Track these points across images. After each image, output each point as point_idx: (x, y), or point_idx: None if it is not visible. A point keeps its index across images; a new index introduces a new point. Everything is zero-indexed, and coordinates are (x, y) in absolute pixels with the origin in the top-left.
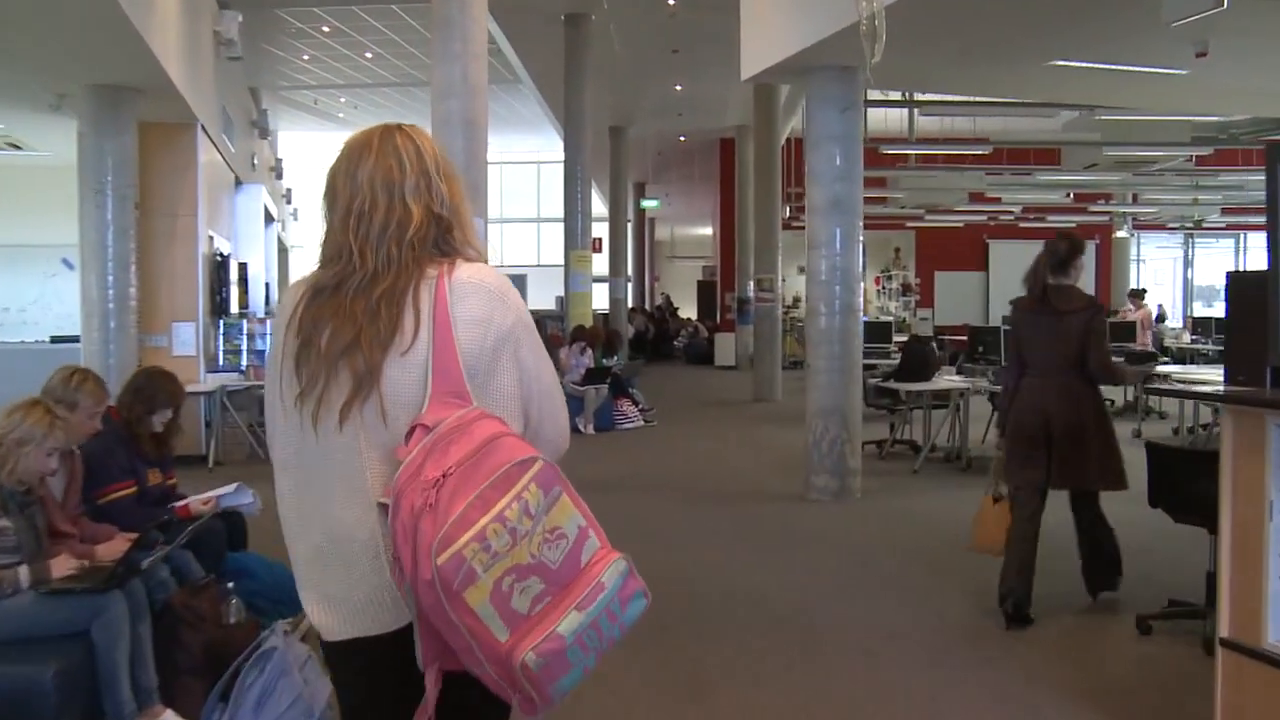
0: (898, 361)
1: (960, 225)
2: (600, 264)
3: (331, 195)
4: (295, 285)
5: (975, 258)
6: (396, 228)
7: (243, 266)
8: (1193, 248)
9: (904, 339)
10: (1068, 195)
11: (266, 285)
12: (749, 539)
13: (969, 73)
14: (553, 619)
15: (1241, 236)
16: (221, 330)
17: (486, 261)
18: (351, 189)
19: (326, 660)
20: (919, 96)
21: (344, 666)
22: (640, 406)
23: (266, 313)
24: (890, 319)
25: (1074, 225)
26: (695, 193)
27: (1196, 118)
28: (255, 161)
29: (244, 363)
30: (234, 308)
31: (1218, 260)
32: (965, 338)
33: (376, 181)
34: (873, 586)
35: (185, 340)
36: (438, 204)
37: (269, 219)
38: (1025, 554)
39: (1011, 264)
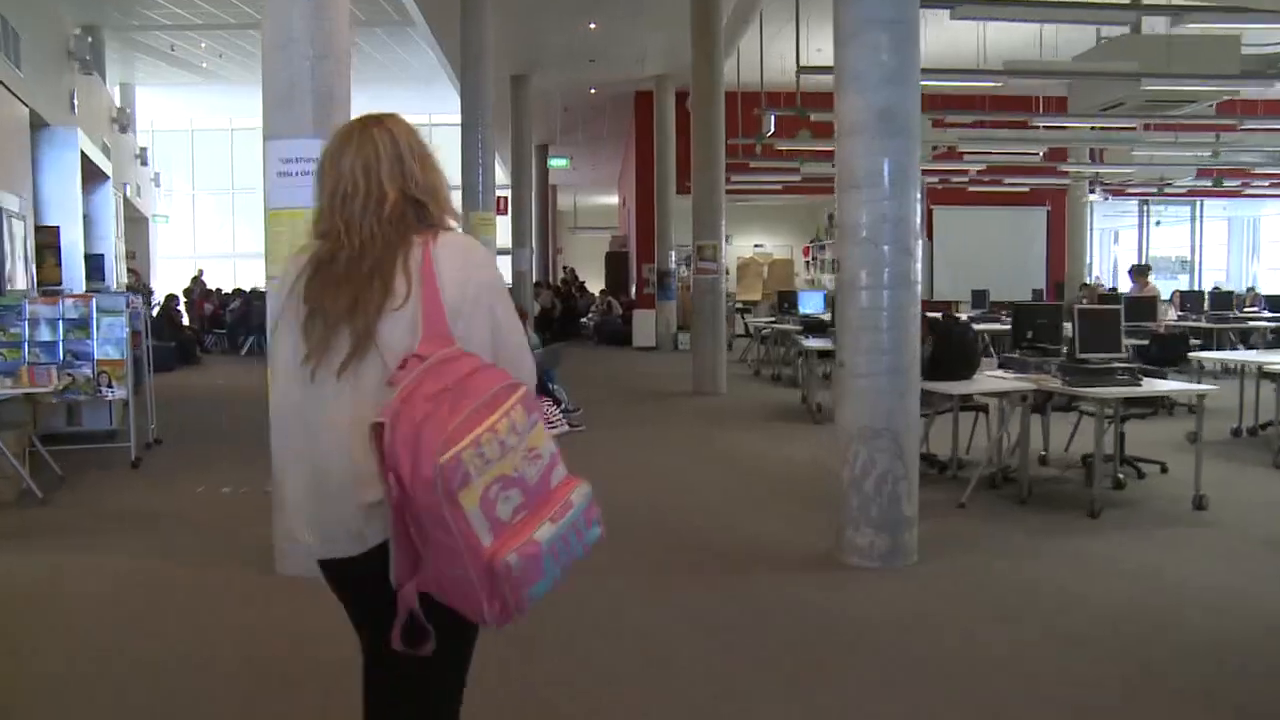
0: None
1: None
2: (501, 234)
3: (320, 179)
4: (296, 256)
5: None
6: (375, 206)
7: (50, 230)
8: (1148, 215)
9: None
10: (1038, 154)
11: (99, 258)
12: (778, 663)
13: None
14: (530, 527)
15: (1198, 204)
16: None
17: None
18: (336, 174)
19: (324, 574)
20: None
21: (334, 580)
22: (564, 406)
23: (91, 289)
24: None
25: (1027, 189)
26: (605, 156)
27: (1258, 27)
28: (75, 102)
29: (24, 359)
30: (20, 283)
31: (1169, 231)
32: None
33: (356, 168)
34: None
35: None
36: (412, 185)
37: (99, 176)
38: None
39: (960, 233)
